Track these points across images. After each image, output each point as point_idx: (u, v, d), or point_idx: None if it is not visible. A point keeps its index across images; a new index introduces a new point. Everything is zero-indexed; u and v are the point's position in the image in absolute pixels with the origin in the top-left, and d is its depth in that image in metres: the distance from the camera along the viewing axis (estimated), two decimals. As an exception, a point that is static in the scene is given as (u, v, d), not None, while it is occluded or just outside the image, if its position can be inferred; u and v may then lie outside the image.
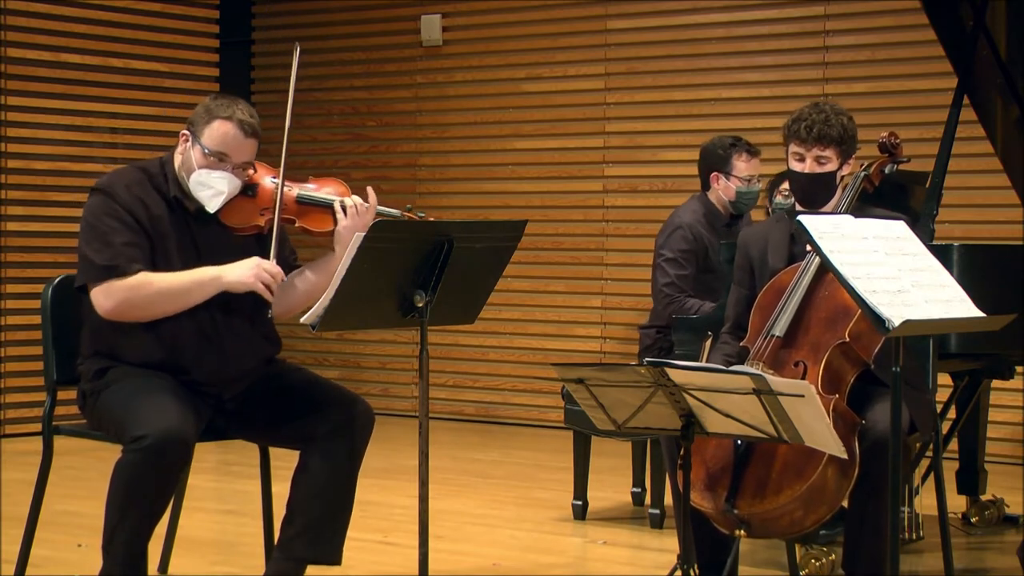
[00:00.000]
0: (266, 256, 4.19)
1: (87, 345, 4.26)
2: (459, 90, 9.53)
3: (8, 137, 8.45)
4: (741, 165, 6.08)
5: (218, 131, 4.18)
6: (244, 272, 4.13)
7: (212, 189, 4.19)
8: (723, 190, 6.10)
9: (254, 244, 4.28)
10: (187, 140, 4.24)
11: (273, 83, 10.03)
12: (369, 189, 4.34)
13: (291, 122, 4.24)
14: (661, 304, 5.95)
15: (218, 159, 4.17)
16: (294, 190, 4.28)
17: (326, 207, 4.27)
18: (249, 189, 4.26)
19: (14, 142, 8.47)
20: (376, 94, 9.80)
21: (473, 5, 9.48)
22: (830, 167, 4.35)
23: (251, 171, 4.27)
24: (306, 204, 4.27)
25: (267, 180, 4.30)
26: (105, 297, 4.10)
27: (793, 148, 4.37)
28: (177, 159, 4.26)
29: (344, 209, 4.24)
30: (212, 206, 4.21)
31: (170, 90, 9.11)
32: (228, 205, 4.23)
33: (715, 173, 6.11)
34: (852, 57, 8.26)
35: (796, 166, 4.37)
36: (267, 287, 4.13)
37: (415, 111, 9.68)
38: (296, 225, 4.27)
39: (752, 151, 6.11)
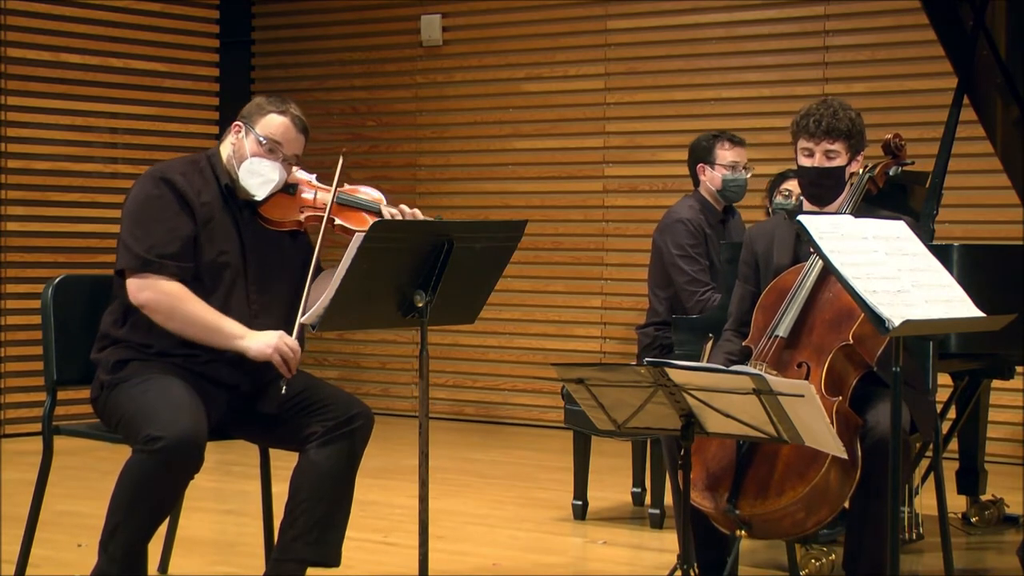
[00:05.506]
0: (308, 252, 4.29)
1: (113, 328, 4.27)
2: (459, 90, 9.53)
3: (8, 137, 8.45)
4: (724, 153, 6.14)
5: (273, 122, 4.32)
6: (264, 344, 4.17)
7: (262, 177, 4.29)
8: (710, 180, 6.15)
9: (290, 240, 4.40)
10: (239, 131, 4.34)
11: (273, 83, 10.02)
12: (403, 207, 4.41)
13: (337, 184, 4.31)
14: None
15: (271, 148, 4.29)
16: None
17: (359, 208, 4.36)
18: (289, 187, 4.37)
19: (14, 142, 8.47)
20: (376, 94, 9.80)
21: (473, 5, 9.48)
22: (839, 161, 4.33)
23: (294, 169, 4.38)
24: (345, 205, 4.36)
25: (305, 179, 4.42)
26: (138, 289, 4.18)
27: (802, 144, 4.35)
28: (226, 150, 4.36)
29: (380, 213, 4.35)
30: (260, 193, 4.31)
31: (170, 90, 9.10)
32: (269, 200, 4.33)
33: (701, 165, 6.18)
34: (852, 57, 8.26)
35: (805, 161, 4.35)
36: (285, 362, 4.17)
37: (415, 111, 9.68)
38: (336, 224, 4.33)
39: (735, 140, 6.19)
